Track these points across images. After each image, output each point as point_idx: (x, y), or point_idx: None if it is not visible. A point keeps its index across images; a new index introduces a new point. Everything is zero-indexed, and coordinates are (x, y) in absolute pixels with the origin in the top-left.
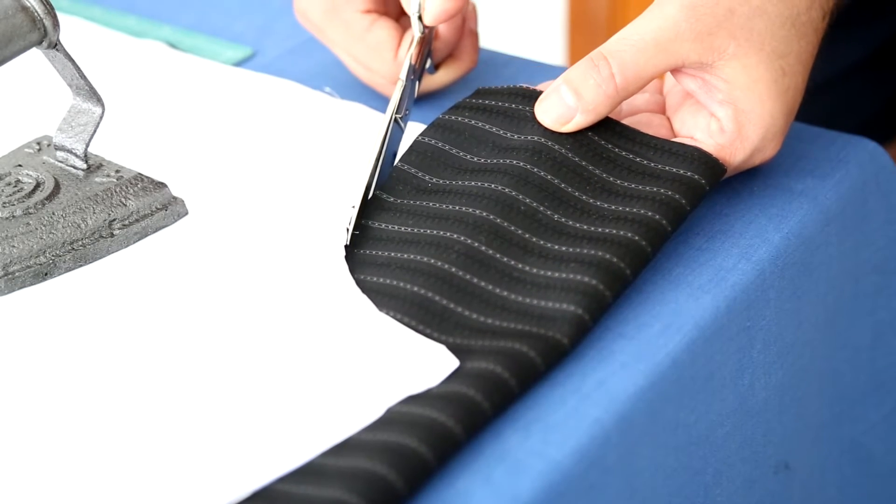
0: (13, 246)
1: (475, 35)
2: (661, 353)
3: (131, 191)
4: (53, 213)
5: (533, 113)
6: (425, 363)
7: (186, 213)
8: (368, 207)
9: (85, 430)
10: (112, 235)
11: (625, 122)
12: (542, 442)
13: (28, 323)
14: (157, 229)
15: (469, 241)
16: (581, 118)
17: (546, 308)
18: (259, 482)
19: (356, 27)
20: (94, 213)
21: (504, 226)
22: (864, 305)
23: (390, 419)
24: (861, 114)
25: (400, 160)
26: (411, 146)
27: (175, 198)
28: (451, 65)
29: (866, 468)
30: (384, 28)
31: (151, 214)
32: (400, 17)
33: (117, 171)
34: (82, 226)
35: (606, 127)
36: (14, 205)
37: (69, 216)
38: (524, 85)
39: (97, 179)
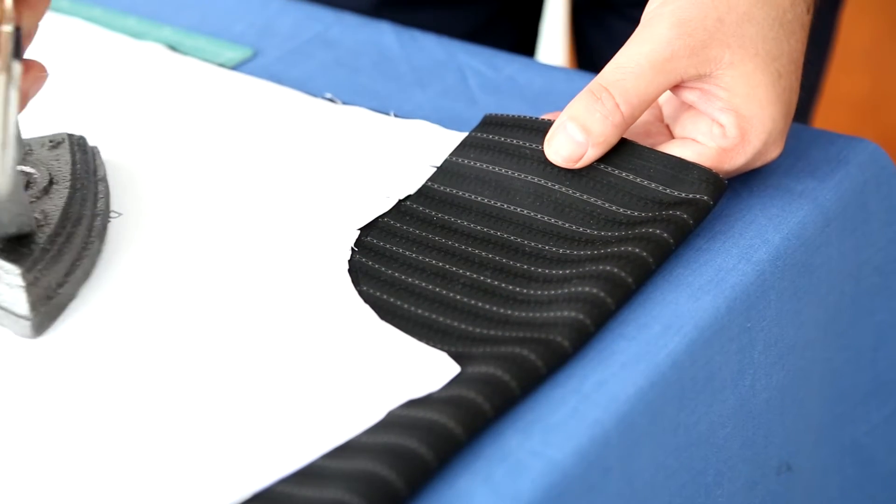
0: None
1: None
2: (662, 353)
3: None
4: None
5: (533, 148)
6: (426, 368)
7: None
8: (369, 229)
9: (86, 432)
10: None
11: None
12: (542, 442)
13: None
14: None
15: (475, 275)
16: (592, 152)
17: (548, 317)
18: (260, 483)
19: None
20: None
21: (510, 264)
22: (864, 306)
23: (391, 422)
24: None
25: (409, 200)
26: (420, 190)
27: None
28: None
29: (868, 469)
30: None
31: None
32: None
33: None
34: None
35: None
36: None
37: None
38: (529, 116)
39: None
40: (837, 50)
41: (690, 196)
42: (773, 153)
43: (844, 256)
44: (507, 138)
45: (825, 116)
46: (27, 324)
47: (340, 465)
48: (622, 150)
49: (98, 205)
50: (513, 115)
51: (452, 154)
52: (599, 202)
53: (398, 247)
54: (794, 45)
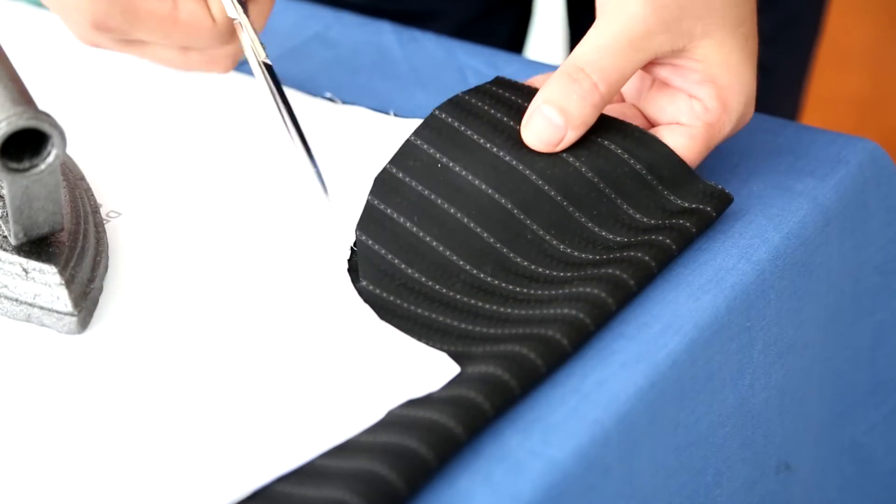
0: None
1: None
2: (662, 353)
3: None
4: None
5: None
6: (426, 368)
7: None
8: (376, 188)
9: (85, 431)
10: None
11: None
12: (542, 442)
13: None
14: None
15: (475, 271)
16: (572, 134)
17: (547, 314)
18: (259, 482)
19: (163, 12)
20: None
21: (510, 256)
22: (864, 305)
23: (391, 421)
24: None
25: (413, 134)
26: (426, 121)
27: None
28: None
29: (867, 468)
30: (187, 0)
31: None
32: None
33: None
34: None
35: (615, 128)
36: None
37: None
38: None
39: None
40: (837, 50)
41: (695, 206)
42: (749, 115)
43: (844, 256)
44: (524, 101)
45: (825, 116)
46: (73, 320)
47: (340, 464)
48: (631, 134)
49: (91, 202)
50: (525, 84)
51: (464, 93)
52: (607, 190)
53: (398, 214)
54: (751, 8)
